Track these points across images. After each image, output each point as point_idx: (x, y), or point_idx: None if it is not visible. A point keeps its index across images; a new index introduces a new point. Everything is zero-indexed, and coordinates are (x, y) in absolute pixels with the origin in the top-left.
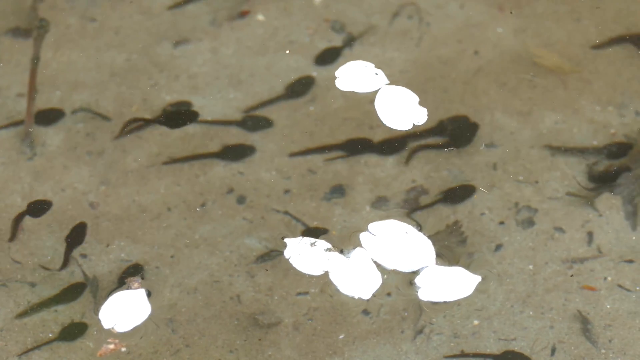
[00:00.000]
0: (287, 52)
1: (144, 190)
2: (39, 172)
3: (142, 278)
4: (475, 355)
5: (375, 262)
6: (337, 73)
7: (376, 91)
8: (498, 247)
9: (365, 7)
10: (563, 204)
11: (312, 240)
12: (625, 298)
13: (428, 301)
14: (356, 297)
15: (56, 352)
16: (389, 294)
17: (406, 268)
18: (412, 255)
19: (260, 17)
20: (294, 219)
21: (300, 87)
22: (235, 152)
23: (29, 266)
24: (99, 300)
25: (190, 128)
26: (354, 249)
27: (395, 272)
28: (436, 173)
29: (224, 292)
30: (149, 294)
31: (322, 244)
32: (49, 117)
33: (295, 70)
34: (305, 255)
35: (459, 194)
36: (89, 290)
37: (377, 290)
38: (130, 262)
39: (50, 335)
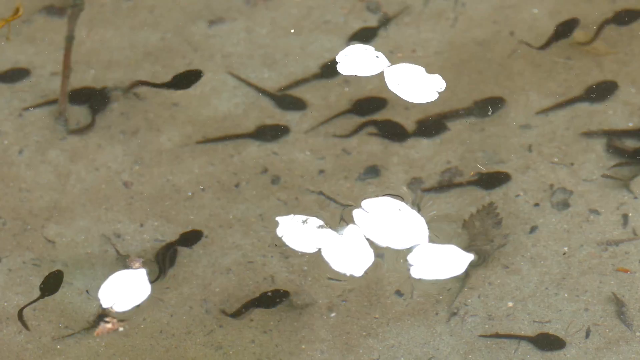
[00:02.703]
0: (292, 31)
1: (177, 170)
2: (73, 151)
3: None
4: (509, 336)
5: (367, 239)
6: (337, 58)
7: (379, 74)
8: (533, 229)
9: None
10: (598, 186)
11: (304, 217)
12: None
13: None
14: (348, 274)
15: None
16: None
17: (399, 245)
18: (405, 233)
19: None
20: (328, 199)
21: (334, 68)
22: (270, 132)
23: (62, 245)
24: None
25: (225, 108)
26: (347, 225)
27: (388, 250)
28: (470, 154)
29: (257, 272)
30: (154, 274)
31: (314, 221)
32: (82, 96)
33: (329, 51)
34: (298, 233)
35: (493, 179)
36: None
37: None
38: (164, 242)
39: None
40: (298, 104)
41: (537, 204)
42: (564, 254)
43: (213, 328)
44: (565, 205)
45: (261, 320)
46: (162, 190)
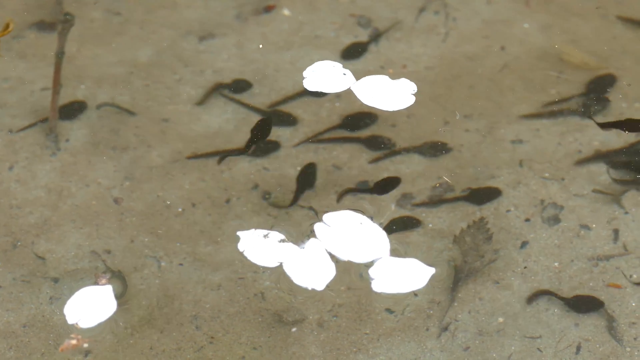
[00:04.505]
0: (260, 46)
1: (168, 186)
2: (63, 168)
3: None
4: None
5: (329, 253)
6: (304, 73)
7: (345, 91)
8: (524, 244)
9: (391, 2)
10: (589, 201)
11: (265, 232)
12: None
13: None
14: (310, 288)
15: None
16: (415, 295)
17: (360, 259)
18: (366, 247)
19: (286, 12)
20: (318, 214)
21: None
22: (260, 148)
23: (52, 262)
24: (122, 297)
25: (215, 123)
26: (308, 239)
27: (349, 263)
28: (462, 170)
29: (248, 288)
30: (122, 291)
31: (275, 235)
32: (73, 111)
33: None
34: (259, 247)
35: (483, 195)
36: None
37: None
38: (154, 258)
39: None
40: (289, 120)
41: (528, 219)
42: (526, 267)
43: (203, 344)
44: (556, 220)
45: (251, 336)
46: (152, 207)
